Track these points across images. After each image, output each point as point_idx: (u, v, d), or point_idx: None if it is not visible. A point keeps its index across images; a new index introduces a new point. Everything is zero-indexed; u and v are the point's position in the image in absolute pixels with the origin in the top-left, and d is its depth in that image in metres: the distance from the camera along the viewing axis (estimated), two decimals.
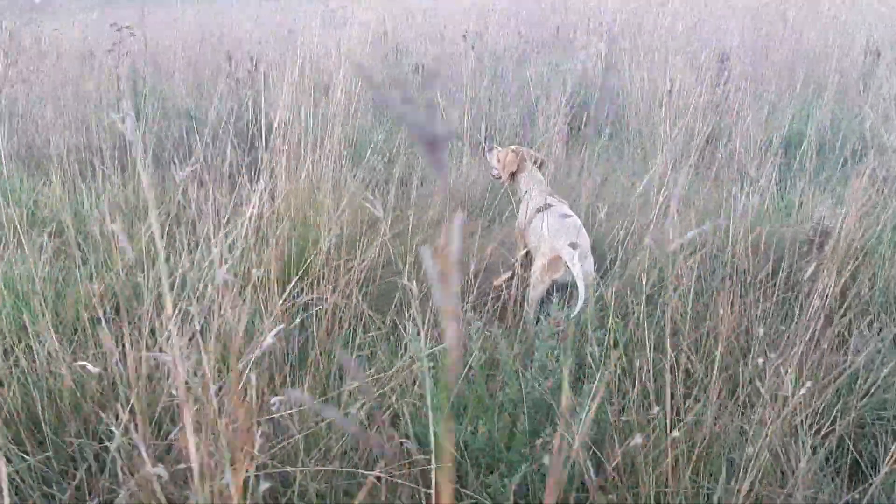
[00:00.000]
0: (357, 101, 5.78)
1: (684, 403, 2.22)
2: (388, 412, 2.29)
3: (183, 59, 6.65)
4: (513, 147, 3.68)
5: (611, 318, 2.18)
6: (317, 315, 2.77)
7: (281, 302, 1.93)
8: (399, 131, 5.02)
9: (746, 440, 2.15)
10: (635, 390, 2.20)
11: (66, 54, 6.32)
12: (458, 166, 4.50)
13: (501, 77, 5.99)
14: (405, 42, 8.33)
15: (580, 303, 2.92)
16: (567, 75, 4.56)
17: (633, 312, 2.55)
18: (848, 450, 2.29)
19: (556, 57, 6.68)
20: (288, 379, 2.38)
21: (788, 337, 2.36)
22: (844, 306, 2.59)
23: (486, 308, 2.56)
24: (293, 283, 2.70)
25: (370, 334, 2.52)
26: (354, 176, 3.75)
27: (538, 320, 2.89)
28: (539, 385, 2.15)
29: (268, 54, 6.06)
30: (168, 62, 6.79)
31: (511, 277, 2.13)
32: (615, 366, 2.22)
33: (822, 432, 2.24)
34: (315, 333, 2.68)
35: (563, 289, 3.08)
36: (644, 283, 2.18)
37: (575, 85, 5.39)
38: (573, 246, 3.10)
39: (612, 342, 2.69)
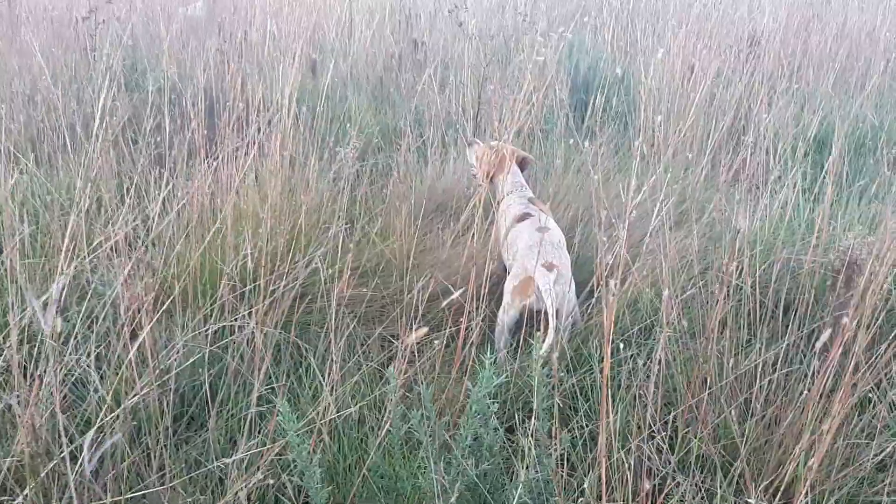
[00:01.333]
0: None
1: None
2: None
3: (170, 28, 6.17)
4: (493, 143, 3.16)
5: (555, 386, 1.71)
6: (234, 347, 2.33)
7: (145, 335, 1.49)
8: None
9: None
10: (590, 478, 1.73)
11: (44, 20, 5.91)
12: (442, 160, 4.00)
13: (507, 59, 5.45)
14: (417, 15, 7.77)
15: (549, 338, 2.43)
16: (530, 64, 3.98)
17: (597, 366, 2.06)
18: None
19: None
20: (173, 437, 1.94)
21: (794, 408, 1.86)
22: (870, 362, 2.06)
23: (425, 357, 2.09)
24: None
25: (266, 387, 2.07)
26: (308, 170, 3.27)
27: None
28: (471, 467, 1.68)
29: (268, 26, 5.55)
30: (155, 32, 6.33)
31: (428, 334, 1.65)
32: (564, 448, 1.74)
33: None
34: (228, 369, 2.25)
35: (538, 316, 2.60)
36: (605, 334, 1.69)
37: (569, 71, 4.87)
38: (548, 267, 2.61)
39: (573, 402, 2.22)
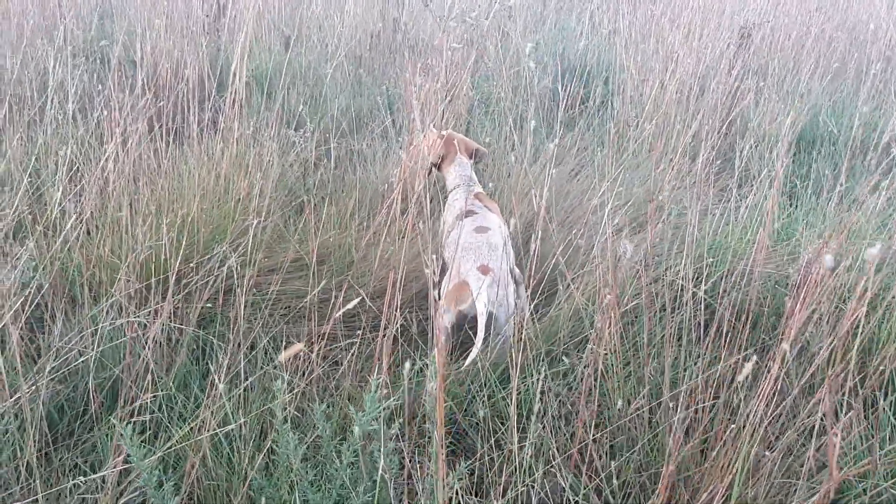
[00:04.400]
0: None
1: None
2: None
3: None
4: (441, 132, 2.97)
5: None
6: (140, 343, 2.18)
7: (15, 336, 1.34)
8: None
9: None
10: None
11: None
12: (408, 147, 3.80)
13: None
14: None
15: (475, 350, 2.27)
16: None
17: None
18: None
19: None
20: (64, 440, 1.80)
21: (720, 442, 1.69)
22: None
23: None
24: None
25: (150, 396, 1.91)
26: (254, 154, 3.10)
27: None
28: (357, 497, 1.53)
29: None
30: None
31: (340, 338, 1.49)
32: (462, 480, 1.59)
33: None
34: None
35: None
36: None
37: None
38: (483, 270, 2.44)
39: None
